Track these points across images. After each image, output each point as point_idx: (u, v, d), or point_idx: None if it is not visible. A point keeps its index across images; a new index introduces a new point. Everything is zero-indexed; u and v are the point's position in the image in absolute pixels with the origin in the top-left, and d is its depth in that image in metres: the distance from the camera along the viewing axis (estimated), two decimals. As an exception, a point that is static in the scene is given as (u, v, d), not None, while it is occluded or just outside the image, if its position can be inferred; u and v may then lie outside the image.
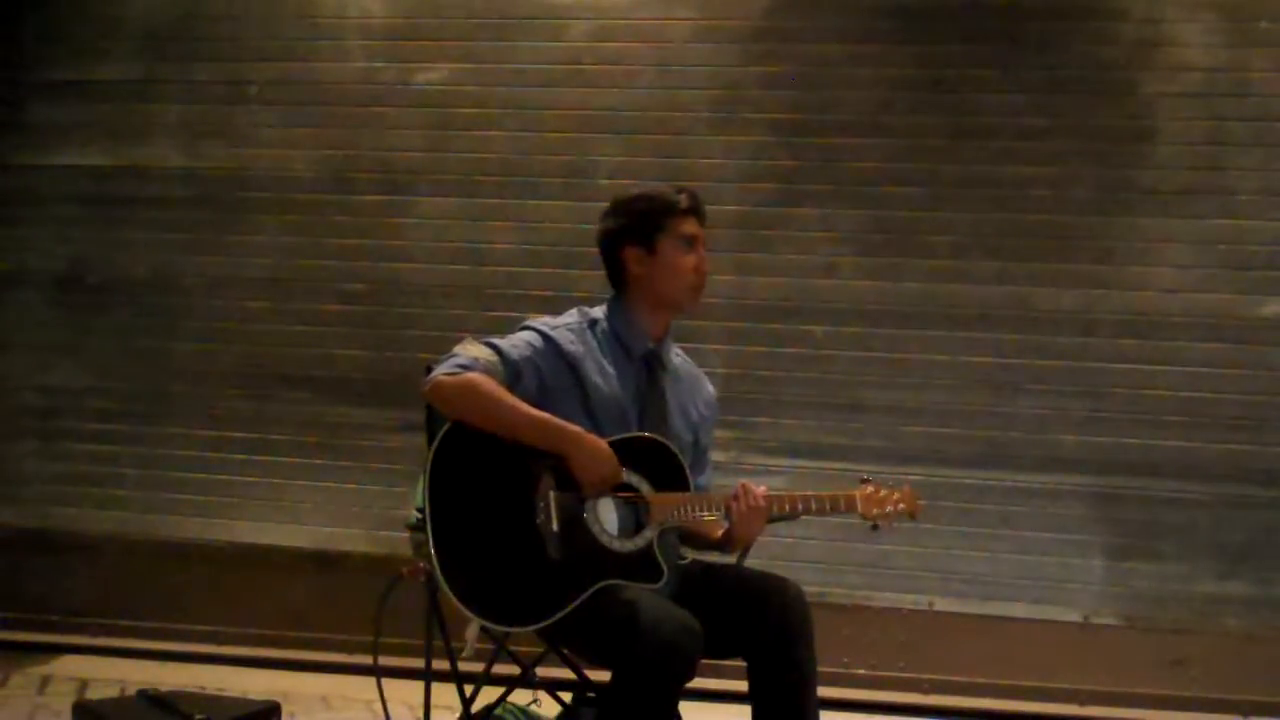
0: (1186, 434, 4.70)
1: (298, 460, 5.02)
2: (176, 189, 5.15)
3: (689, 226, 3.28)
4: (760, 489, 3.22)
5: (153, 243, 5.15)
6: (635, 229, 3.28)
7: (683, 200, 3.30)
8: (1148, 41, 4.75)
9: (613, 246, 3.33)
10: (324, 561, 4.98)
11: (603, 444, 3.09)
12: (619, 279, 3.33)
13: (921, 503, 3.30)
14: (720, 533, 3.31)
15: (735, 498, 3.20)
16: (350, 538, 4.99)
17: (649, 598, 3.04)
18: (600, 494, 3.08)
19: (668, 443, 3.20)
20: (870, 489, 3.27)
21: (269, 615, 4.94)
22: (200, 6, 5.16)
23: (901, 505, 3.28)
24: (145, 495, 5.09)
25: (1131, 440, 4.73)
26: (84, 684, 4.58)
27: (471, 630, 3.25)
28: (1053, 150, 4.79)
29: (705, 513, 3.20)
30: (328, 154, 5.09)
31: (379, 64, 5.08)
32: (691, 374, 3.46)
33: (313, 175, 5.09)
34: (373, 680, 3.61)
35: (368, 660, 3.60)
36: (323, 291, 5.07)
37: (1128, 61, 4.77)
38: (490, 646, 3.32)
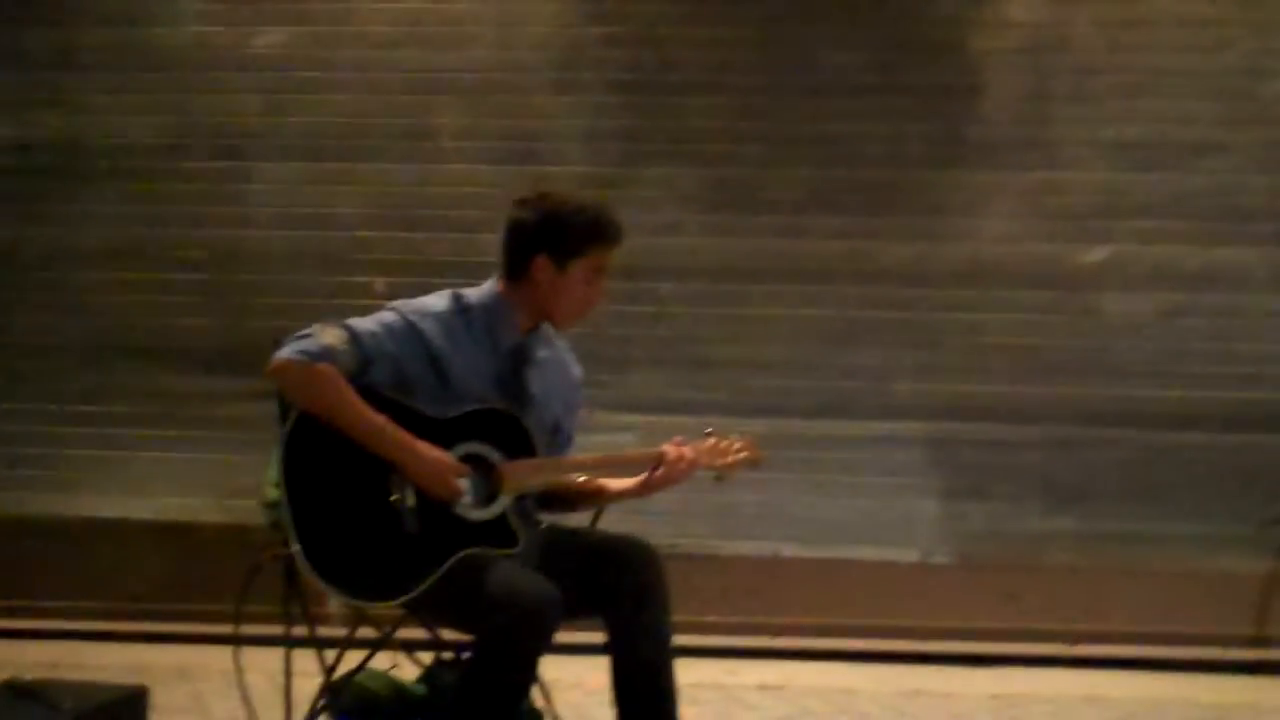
0: (1015, 380, 5.02)
1: (146, 432, 5.11)
2: (7, 159, 5.15)
3: (605, 259, 3.35)
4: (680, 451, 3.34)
5: (-15, 216, 5.18)
6: (556, 242, 3.34)
7: (611, 233, 3.35)
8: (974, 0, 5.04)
9: (525, 245, 3.35)
10: (177, 533, 5.05)
11: (437, 454, 3.16)
12: (515, 273, 3.37)
13: (763, 452, 3.43)
14: (625, 486, 3.42)
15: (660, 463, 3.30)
16: (202, 508, 5.08)
17: (506, 565, 3.14)
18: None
19: (518, 415, 3.30)
20: (713, 440, 3.37)
21: (124, 588, 5.01)
22: (27, -30, 5.18)
23: (744, 454, 3.39)
24: (-9, 472, 5.16)
25: (963, 387, 5.04)
26: (-66, 666, 4.59)
27: (332, 603, 3.36)
28: (885, 107, 5.04)
29: (575, 475, 3.33)
30: (163, 120, 5.13)
31: (215, 28, 5.11)
32: (559, 362, 3.53)
33: (149, 143, 5.13)
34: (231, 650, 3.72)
35: (226, 630, 3.66)
36: (164, 260, 5.14)
37: (955, 19, 5.04)
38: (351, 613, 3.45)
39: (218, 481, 5.09)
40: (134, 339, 5.17)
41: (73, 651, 4.64)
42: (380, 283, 4.87)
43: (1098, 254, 5.06)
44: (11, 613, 5.00)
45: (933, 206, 5.09)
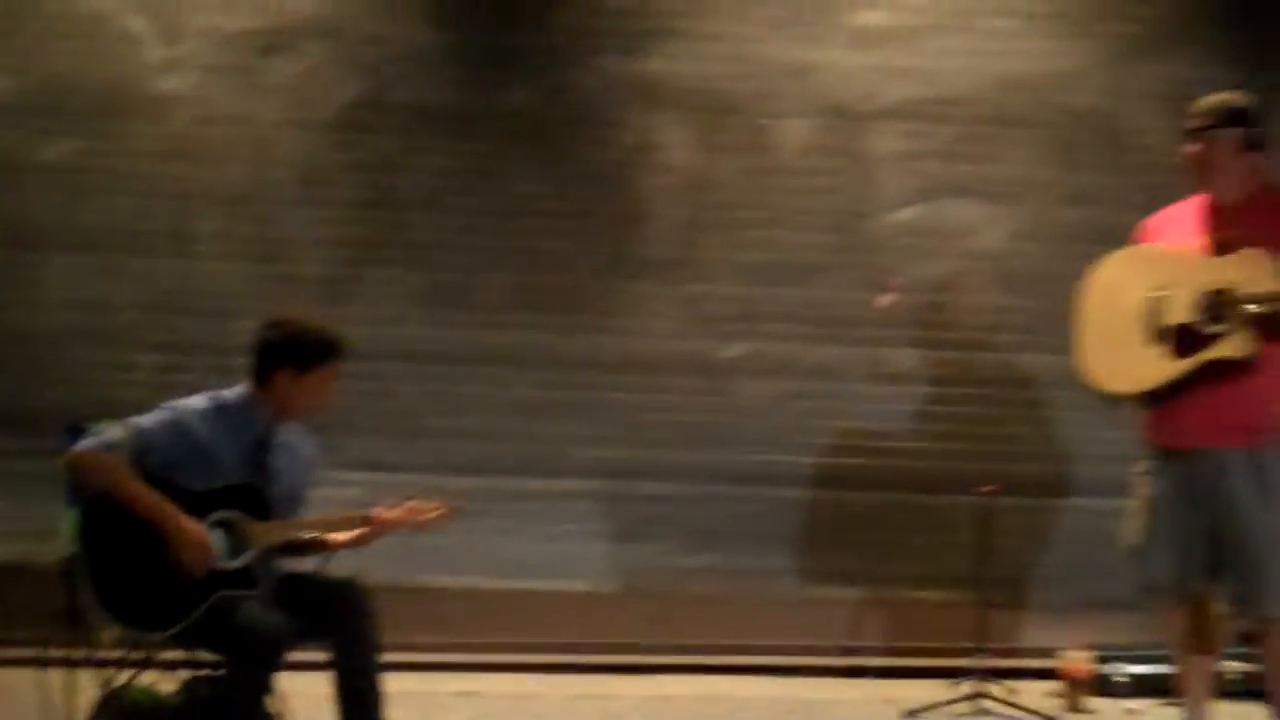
0: (667, 446, 5.77)
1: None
2: None
3: (335, 370, 4.08)
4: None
5: None
6: (297, 358, 4.05)
7: (339, 351, 4.06)
8: (641, 145, 5.83)
9: (270, 359, 4.06)
10: None
11: (193, 528, 3.86)
12: (261, 380, 4.08)
13: (455, 509, 4.17)
14: (344, 538, 4.18)
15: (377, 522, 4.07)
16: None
17: (248, 604, 4.00)
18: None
19: (261, 487, 4.10)
20: (413, 503, 4.15)
21: None
22: None
23: (438, 512, 4.17)
24: None
25: (626, 452, 5.76)
26: None
27: (109, 632, 4.13)
28: (569, 228, 5.76)
29: (303, 533, 4.15)
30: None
31: (12, 137, 5.65)
32: (295, 444, 4.25)
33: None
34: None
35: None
36: None
37: (627, 161, 5.83)
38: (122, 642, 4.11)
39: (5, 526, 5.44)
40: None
41: None
42: (145, 361, 5.41)
43: (735, 350, 5.81)
44: None
45: (605, 309, 5.77)
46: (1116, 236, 4.47)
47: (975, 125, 5.90)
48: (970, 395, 5.91)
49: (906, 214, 5.90)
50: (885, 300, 5.86)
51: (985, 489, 5.23)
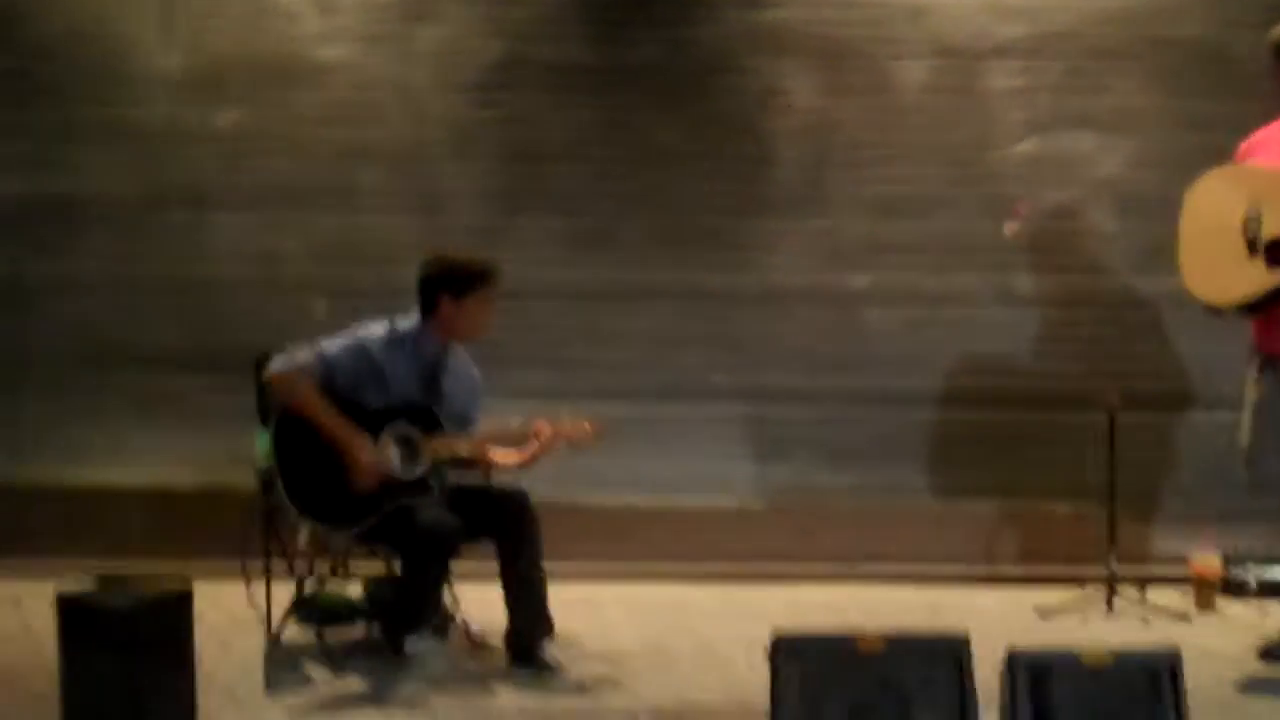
0: (804, 372, 6.02)
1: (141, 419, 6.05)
2: (18, 209, 6.10)
3: (489, 294, 4.55)
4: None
5: None
6: (454, 283, 4.55)
7: (491, 276, 4.53)
8: (767, 90, 6.10)
9: (431, 289, 4.58)
10: (162, 497, 5.98)
11: (368, 452, 4.34)
12: (427, 308, 4.57)
13: (604, 428, 4.58)
14: (511, 459, 4.62)
15: (537, 434, 4.50)
16: (182, 475, 6.01)
17: (425, 505, 4.51)
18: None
19: (434, 406, 4.62)
20: (567, 421, 4.59)
21: (123, 541, 5.75)
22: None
23: (589, 430, 4.61)
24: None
25: (765, 378, 6.03)
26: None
27: (302, 535, 4.63)
28: (702, 171, 6.02)
29: (471, 446, 4.60)
30: (145, 179, 6.12)
31: (184, 108, 6.08)
32: (463, 366, 4.74)
33: (133, 197, 6.09)
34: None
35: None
36: (150, 288, 6.11)
37: (754, 105, 6.06)
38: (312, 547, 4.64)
39: (197, 454, 5.93)
40: (129, 349, 6.04)
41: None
42: (321, 306, 5.91)
43: (862, 280, 6.05)
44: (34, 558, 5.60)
45: (738, 246, 6.04)
46: (1227, 159, 4.71)
47: (1084, 59, 6.07)
48: (1095, 316, 6.08)
49: (1023, 146, 6.11)
50: (1011, 226, 6.07)
51: (1110, 403, 5.45)
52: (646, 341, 6.10)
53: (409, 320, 4.66)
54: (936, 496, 6.10)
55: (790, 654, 3.42)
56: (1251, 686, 4.36)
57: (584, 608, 5.24)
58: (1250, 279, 4.32)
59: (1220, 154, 4.74)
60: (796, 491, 6.09)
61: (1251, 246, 4.32)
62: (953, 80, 6.12)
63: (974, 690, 3.38)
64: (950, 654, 3.41)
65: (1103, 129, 6.10)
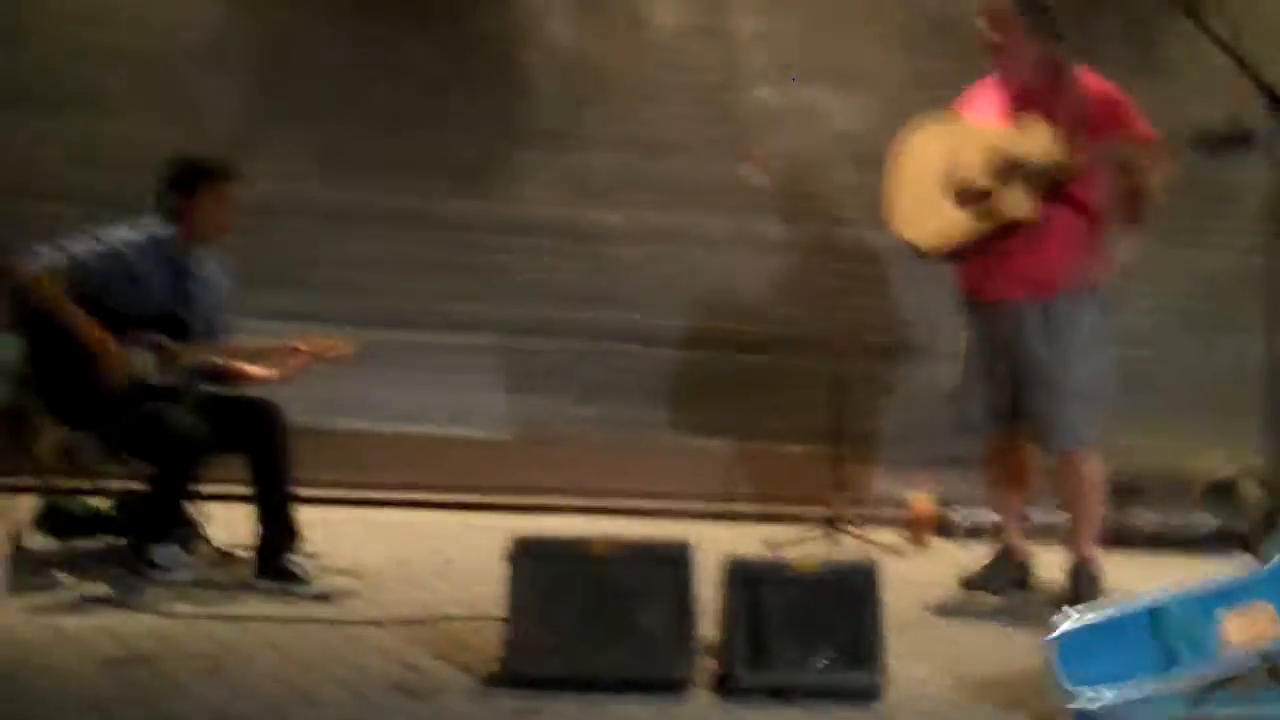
0: (553, 305, 6.15)
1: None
2: None
3: (223, 189, 4.51)
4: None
5: None
6: (184, 181, 4.50)
7: (219, 170, 4.49)
8: (525, 23, 6.18)
9: (166, 188, 4.52)
10: None
11: (114, 354, 4.28)
12: (168, 213, 4.53)
13: (355, 349, 4.60)
14: (264, 374, 4.60)
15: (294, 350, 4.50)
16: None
17: (172, 410, 4.44)
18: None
19: (184, 314, 4.56)
20: (321, 338, 4.61)
21: None
22: None
23: (343, 348, 4.63)
24: None
25: (514, 310, 6.13)
26: None
27: (48, 442, 4.51)
28: (458, 97, 6.05)
29: (222, 357, 4.57)
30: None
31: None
32: (214, 274, 4.70)
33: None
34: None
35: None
36: None
37: (512, 36, 6.18)
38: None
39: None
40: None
41: None
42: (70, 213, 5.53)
43: (612, 217, 6.21)
44: None
45: (491, 176, 6.08)
46: (954, 117, 4.97)
47: (828, 9, 6.36)
48: (828, 267, 6.30)
49: (768, 93, 6.35)
50: (748, 169, 6.30)
51: (838, 348, 5.74)
52: (396, 267, 6.11)
53: (158, 226, 4.57)
54: (678, 433, 6.27)
55: (526, 556, 3.57)
56: (943, 610, 4.68)
57: (329, 528, 5.20)
58: (952, 223, 4.63)
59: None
60: (542, 424, 6.20)
61: (953, 194, 4.63)
62: (703, 21, 6.30)
63: (694, 591, 3.61)
64: (673, 559, 3.62)
65: (842, 82, 6.39)
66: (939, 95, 5.49)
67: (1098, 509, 4.77)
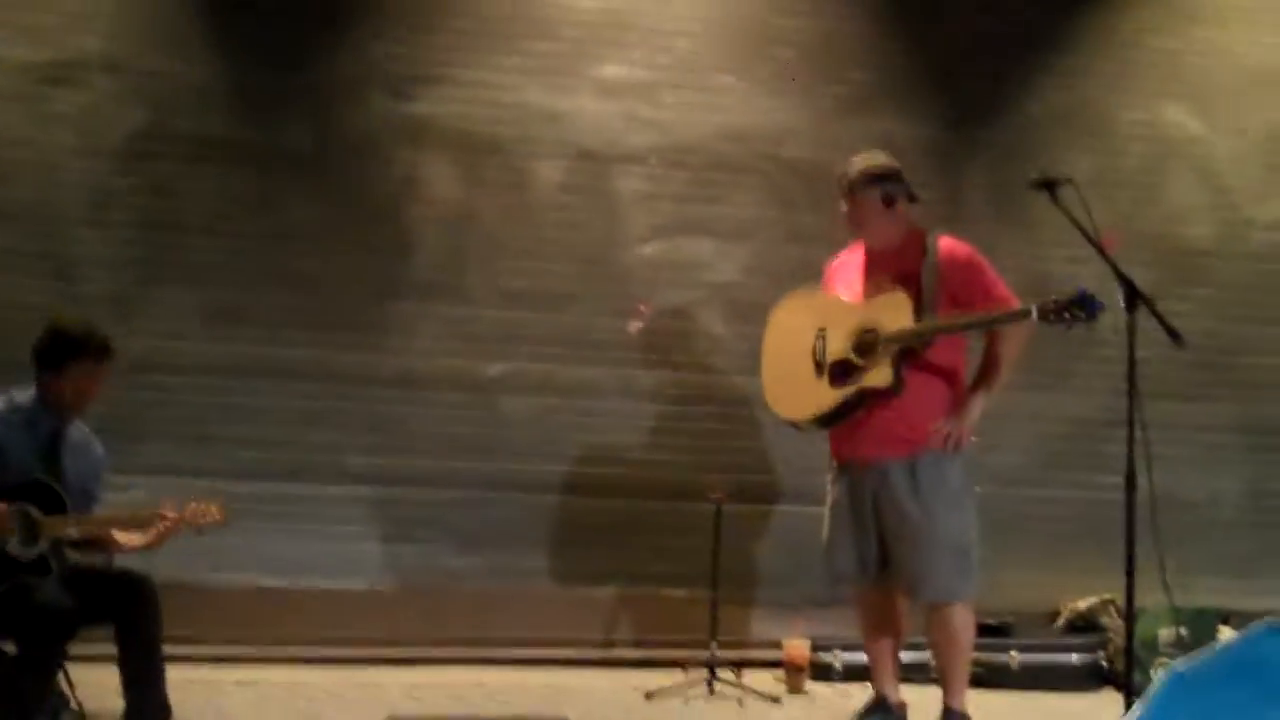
0: (437, 455, 6.18)
1: None
2: None
3: (91, 365, 4.47)
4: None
5: None
6: (51, 354, 4.47)
7: (89, 347, 4.45)
8: (409, 179, 6.30)
9: (36, 358, 4.48)
10: None
11: None
12: (37, 380, 4.48)
13: (227, 513, 4.56)
14: (134, 542, 4.53)
15: (163, 517, 4.45)
16: None
17: (42, 587, 4.35)
18: None
19: (53, 483, 4.49)
20: (193, 505, 4.57)
21: None
22: None
23: (215, 515, 4.60)
24: None
25: (398, 460, 6.16)
26: None
27: None
28: (343, 253, 6.16)
29: (93, 528, 4.50)
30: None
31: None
32: (85, 442, 4.65)
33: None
34: None
35: None
36: None
37: (396, 192, 6.28)
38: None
39: None
40: None
41: None
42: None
43: (497, 368, 6.29)
44: None
45: (377, 328, 6.17)
46: (822, 270, 5.17)
47: (705, 171, 6.60)
48: (705, 413, 6.53)
49: (648, 249, 6.55)
50: (634, 325, 6.48)
51: (716, 496, 5.83)
52: (280, 420, 6.14)
53: (26, 393, 4.55)
54: (559, 581, 6.33)
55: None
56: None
57: (205, 690, 5.20)
58: (818, 397, 4.80)
59: (820, 265, 5.18)
60: (425, 573, 6.21)
61: (818, 368, 4.80)
62: (586, 181, 6.50)
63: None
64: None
65: (719, 236, 6.61)
66: (810, 250, 5.73)
67: (968, 658, 4.91)
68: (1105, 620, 6.40)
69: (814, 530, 5.04)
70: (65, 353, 4.45)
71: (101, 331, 4.54)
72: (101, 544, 4.66)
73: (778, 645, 6.07)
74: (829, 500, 4.97)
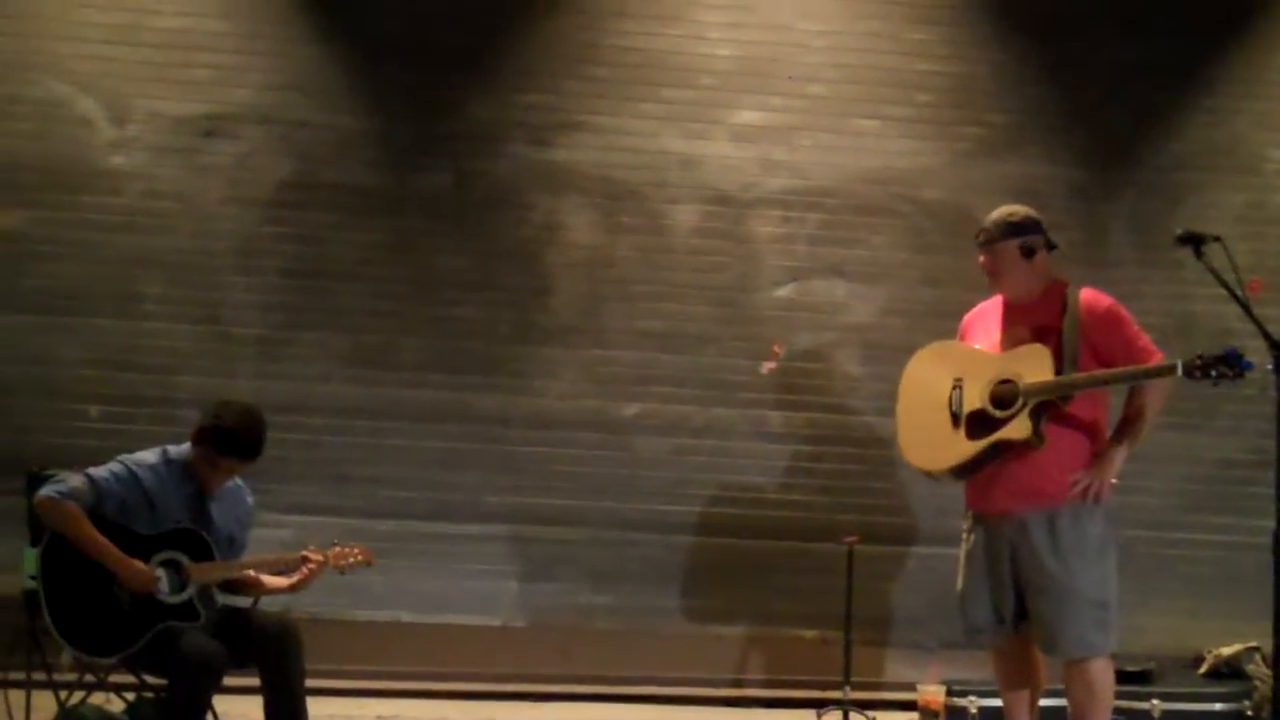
0: (572, 495, 6.25)
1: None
2: None
3: (240, 467, 4.64)
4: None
5: None
6: (214, 444, 4.59)
7: (248, 453, 4.58)
8: (548, 225, 6.42)
9: (201, 434, 4.63)
10: None
11: (136, 566, 4.39)
12: (195, 444, 4.63)
13: (374, 555, 4.71)
14: (280, 584, 4.70)
15: (307, 561, 4.62)
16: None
17: (190, 632, 4.52)
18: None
19: (201, 531, 4.64)
20: (337, 548, 4.74)
21: None
22: None
23: (359, 557, 4.76)
24: None
25: (534, 499, 6.24)
26: None
27: (65, 657, 4.61)
28: (483, 298, 6.28)
29: (239, 573, 4.69)
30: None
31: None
32: (235, 494, 4.80)
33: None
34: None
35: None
36: None
37: (535, 238, 6.39)
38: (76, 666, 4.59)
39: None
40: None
41: None
42: (95, 413, 5.89)
43: (632, 409, 6.34)
44: None
45: (515, 371, 6.26)
46: (962, 313, 5.13)
47: (841, 213, 6.60)
48: (840, 454, 6.49)
49: (783, 291, 6.56)
50: (768, 365, 6.48)
51: (851, 538, 5.82)
52: (421, 461, 6.27)
53: (181, 448, 4.73)
54: (690, 620, 6.34)
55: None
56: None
57: (346, 720, 5.35)
58: (955, 449, 4.75)
59: (959, 307, 5.13)
60: (558, 611, 6.29)
61: (955, 419, 4.76)
62: (721, 225, 6.54)
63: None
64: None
65: (855, 278, 6.60)
66: (947, 292, 5.69)
67: (1108, 713, 4.81)
68: (1250, 668, 6.22)
69: (949, 572, 5.00)
70: (220, 445, 4.61)
71: (258, 430, 4.66)
72: (246, 585, 4.81)
73: (912, 688, 6.02)
74: (964, 549, 4.92)
